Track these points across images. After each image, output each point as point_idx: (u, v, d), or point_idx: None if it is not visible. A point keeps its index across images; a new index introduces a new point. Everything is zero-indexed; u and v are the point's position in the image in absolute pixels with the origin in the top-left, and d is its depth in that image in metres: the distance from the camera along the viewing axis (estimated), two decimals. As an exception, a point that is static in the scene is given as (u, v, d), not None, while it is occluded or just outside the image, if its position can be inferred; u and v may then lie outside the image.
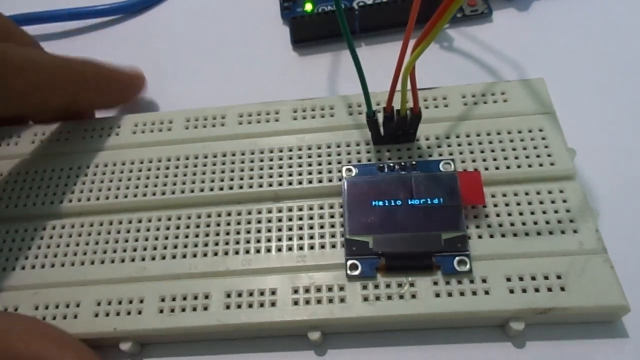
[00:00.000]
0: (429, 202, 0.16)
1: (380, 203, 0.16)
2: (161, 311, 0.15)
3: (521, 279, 0.15)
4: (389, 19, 0.21)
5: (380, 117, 0.17)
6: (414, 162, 0.17)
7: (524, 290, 0.14)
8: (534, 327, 0.15)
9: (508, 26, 0.21)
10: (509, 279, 0.15)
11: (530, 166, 0.17)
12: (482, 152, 0.17)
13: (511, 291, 0.14)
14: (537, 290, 0.14)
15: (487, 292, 0.15)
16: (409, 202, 0.16)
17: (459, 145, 0.17)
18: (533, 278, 0.15)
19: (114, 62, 0.20)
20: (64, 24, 0.23)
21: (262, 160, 0.18)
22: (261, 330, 0.15)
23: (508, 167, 0.17)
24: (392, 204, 0.16)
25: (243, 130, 0.19)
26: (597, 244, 0.15)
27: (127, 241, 0.17)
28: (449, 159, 0.17)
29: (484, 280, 0.15)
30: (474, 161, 0.17)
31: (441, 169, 0.16)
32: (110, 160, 0.19)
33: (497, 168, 0.17)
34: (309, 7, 0.22)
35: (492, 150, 0.17)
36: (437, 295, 0.15)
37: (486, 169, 0.17)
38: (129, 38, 0.23)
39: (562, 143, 0.17)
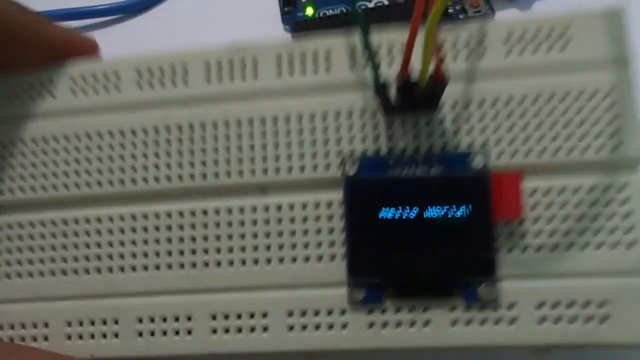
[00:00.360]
0: (451, 214, 0.12)
1: (390, 214, 0.13)
2: (140, 334, 0.14)
3: (556, 305, 0.12)
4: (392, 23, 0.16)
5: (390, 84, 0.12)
6: (435, 155, 0.13)
7: (558, 320, 0.12)
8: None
9: None
10: (541, 305, 0.12)
11: (586, 148, 0.13)
12: (524, 128, 0.13)
13: (542, 320, 0.12)
14: (572, 320, 0.12)
15: (512, 321, 0.12)
16: (426, 214, 0.12)
17: (495, 117, 0.13)
18: (570, 305, 0.12)
19: None
20: (64, 24, 0.20)
21: (239, 137, 0.14)
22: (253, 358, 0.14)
23: (557, 151, 0.13)
24: (406, 215, 0.12)
25: (213, 91, 0.14)
26: (657, 265, 0.12)
27: (88, 247, 0.14)
28: (481, 152, 0.13)
29: (510, 307, 0.12)
30: (511, 142, 0.13)
31: (470, 164, 0.13)
32: (49, 134, 0.15)
33: (542, 151, 0.13)
34: (309, 11, 0.21)
35: (538, 125, 0.13)
36: (454, 323, 0.13)
37: (527, 153, 0.13)
38: (129, 38, 0.22)
39: (633, 114, 0.13)
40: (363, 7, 0.20)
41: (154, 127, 0.14)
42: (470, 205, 0.12)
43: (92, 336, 0.14)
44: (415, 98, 0.12)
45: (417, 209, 0.12)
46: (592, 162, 0.13)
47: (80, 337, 0.14)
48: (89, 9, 0.22)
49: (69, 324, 0.14)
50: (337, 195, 0.13)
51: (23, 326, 0.14)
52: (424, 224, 0.12)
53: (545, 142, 0.13)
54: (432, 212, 0.12)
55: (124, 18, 0.22)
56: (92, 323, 0.14)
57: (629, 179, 0.13)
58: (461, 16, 0.21)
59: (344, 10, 0.21)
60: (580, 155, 0.13)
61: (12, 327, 0.14)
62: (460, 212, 0.12)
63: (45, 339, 0.14)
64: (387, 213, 0.12)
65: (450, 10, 0.21)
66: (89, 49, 0.16)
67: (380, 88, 0.12)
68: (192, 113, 0.14)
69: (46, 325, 0.14)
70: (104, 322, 0.14)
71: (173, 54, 0.15)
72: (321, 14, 0.21)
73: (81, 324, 0.14)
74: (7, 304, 0.14)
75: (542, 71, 0.13)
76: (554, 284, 0.12)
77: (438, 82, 0.12)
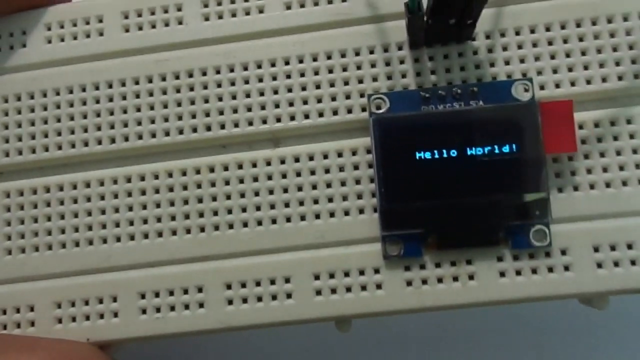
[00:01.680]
0: (497, 150, 0.11)
1: (428, 154, 0.11)
2: (143, 312, 0.12)
3: (614, 248, 0.11)
4: None
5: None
6: (474, 88, 0.11)
7: (617, 264, 0.11)
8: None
9: None
10: (597, 249, 0.11)
11: (637, 76, 0.12)
12: (569, 55, 0.12)
13: (599, 266, 0.11)
14: (633, 263, 0.11)
15: (567, 268, 0.11)
16: (468, 152, 0.11)
17: (535, 46, 0.12)
18: (630, 246, 0.11)
19: None
20: None
21: (246, 82, 0.12)
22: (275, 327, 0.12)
23: (604, 80, 0.12)
24: (445, 155, 0.11)
25: (213, 32, 0.13)
26: None
27: (76, 216, 0.12)
28: (525, 80, 0.11)
29: (563, 253, 0.11)
30: (555, 72, 0.12)
31: (514, 95, 0.11)
32: (23, 90, 0.13)
33: (588, 81, 0.12)
34: None
35: (584, 53, 0.12)
36: (502, 274, 0.11)
37: (572, 84, 0.12)
38: None
39: (685, 35, 0.12)
40: None
41: (147, 75, 0.12)
42: (518, 140, 0.11)
43: (87, 317, 0.12)
44: (453, 9, 0.11)
45: (459, 147, 0.11)
46: (643, 89, 0.12)
47: (73, 319, 0.12)
48: None
49: (58, 306, 0.12)
50: (363, 141, 0.12)
51: (3, 312, 0.12)
52: (467, 163, 0.11)
53: (593, 69, 0.12)
54: (476, 150, 0.11)
55: None
56: (86, 302, 0.12)
57: (685, 106, 0.11)
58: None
59: None
60: (631, 82, 0.12)
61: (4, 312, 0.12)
62: (507, 147, 0.11)
63: (32, 324, 0.12)
64: (425, 153, 0.11)
65: None
66: None
67: (415, 7, 0.10)
68: (190, 57, 0.12)
69: (31, 308, 0.12)
70: (100, 301, 0.12)
71: (164, -9, 0.13)
72: None
73: (73, 304, 0.12)
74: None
75: (582, -7, 0.12)
76: (609, 225, 0.11)
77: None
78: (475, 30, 0.12)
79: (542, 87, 0.12)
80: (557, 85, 0.12)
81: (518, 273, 0.11)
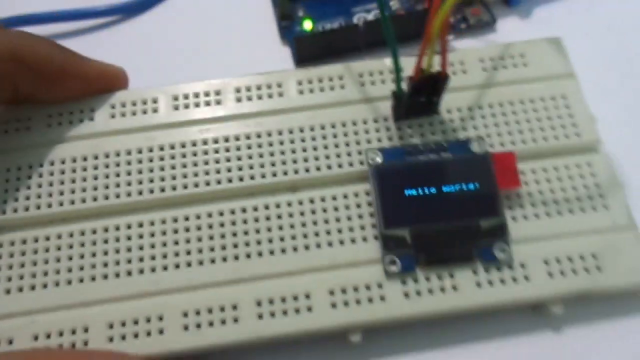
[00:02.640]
0: (464, 188, 0.15)
1: (414, 192, 0.15)
2: (186, 328, 0.14)
3: (558, 261, 0.15)
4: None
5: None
6: (443, 144, 0.15)
7: (562, 273, 0.14)
8: (569, 308, 0.15)
9: (512, 34, 0.20)
10: (546, 262, 0.15)
11: (556, 138, 0.16)
12: (507, 124, 0.16)
13: (550, 275, 0.14)
14: (574, 272, 0.14)
15: (527, 278, 0.14)
16: (444, 190, 0.15)
17: (482, 117, 0.16)
18: (570, 259, 0.15)
19: (113, 62, 0.17)
20: (64, 24, 0.21)
21: (270, 145, 0.16)
22: (299, 337, 0.14)
23: (534, 141, 0.16)
24: (427, 192, 0.15)
25: (243, 109, 0.16)
26: (629, 221, 0.15)
27: (129, 250, 0.15)
28: (479, 138, 0.16)
29: (522, 266, 0.14)
30: (499, 135, 0.16)
31: (472, 149, 0.15)
32: (90, 153, 0.16)
33: (523, 142, 0.16)
34: (308, 25, 0.20)
35: (517, 122, 0.16)
36: (478, 285, 0.14)
37: (513, 143, 0.16)
38: (129, 38, 0.21)
39: (585, 111, 0.16)
40: (362, 19, 0.20)
41: (191, 140, 0.16)
42: (479, 179, 0.15)
43: (136, 335, 0.14)
44: (422, 94, 0.15)
45: (436, 185, 0.15)
46: (562, 147, 0.16)
47: (123, 337, 0.14)
48: (89, 9, 0.21)
49: (111, 326, 0.14)
50: (362, 186, 0.15)
51: (60, 334, 0.14)
52: (443, 197, 0.15)
53: (525, 134, 0.16)
54: (449, 187, 0.15)
55: (124, 18, 0.22)
56: (136, 322, 0.14)
57: (593, 158, 0.16)
58: (462, 25, 0.20)
59: (342, 23, 0.20)
60: (552, 141, 0.16)
61: (48, 336, 0.14)
62: (472, 185, 0.15)
63: (85, 343, 0.14)
64: (411, 190, 0.15)
65: (451, 20, 0.20)
66: (120, 80, 0.17)
67: (400, 92, 0.15)
68: (226, 127, 0.16)
69: (86, 330, 0.14)
70: (148, 320, 0.14)
71: (208, 82, 0.17)
72: (320, 28, 0.20)
73: (123, 324, 0.14)
74: (44, 313, 0.14)
75: (512, 83, 0.17)
76: (553, 245, 0.15)
77: (442, 77, 0.14)
78: (439, 106, 0.16)
79: (490, 146, 0.16)
80: (501, 145, 0.16)
81: (490, 283, 0.14)
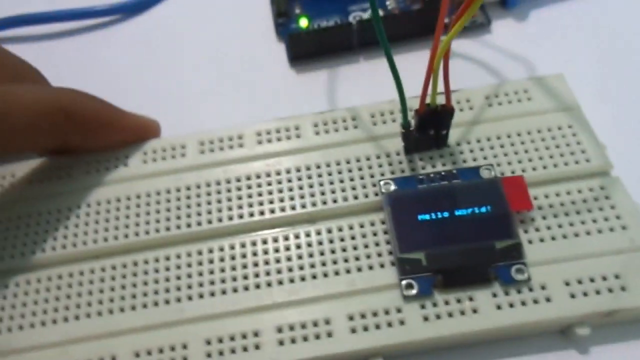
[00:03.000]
0: (477, 211, 0.15)
1: (427, 217, 0.15)
2: (209, 356, 0.14)
3: (580, 282, 0.14)
4: (387, 33, 0.20)
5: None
6: (454, 171, 0.16)
7: (585, 294, 0.14)
8: (596, 330, 0.15)
9: (507, 36, 0.21)
10: (567, 284, 0.14)
11: (566, 164, 0.16)
12: (516, 153, 0.17)
13: (572, 296, 0.14)
14: (598, 292, 0.14)
15: (548, 300, 0.14)
16: (456, 213, 0.15)
17: (491, 148, 0.17)
18: (592, 280, 0.14)
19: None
20: (64, 24, 0.22)
21: (289, 181, 0.17)
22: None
23: (545, 167, 0.16)
24: (439, 216, 0.15)
25: (264, 150, 0.18)
26: (648, 239, 0.15)
27: (157, 282, 0.15)
28: (488, 165, 0.16)
29: (543, 287, 0.14)
30: (509, 164, 0.17)
31: (482, 175, 0.16)
32: (122, 194, 0.17)
33: (534, 169, 0.16)
34: (304, 23, 0.21)
35: (526, 151, 0.17)
36: (499, 307, 0.14)
37: (523, 170, 0.16)
38: (129, 38, 0.22)
39: (593, 138, 0.17)
40: (358, 18, 0.20)
41: (216, 180, 0.17)
42: (490, 203, 0.15)
43: None
44: (430, 128, 0.16)
45: (449, 210, 0.15)
46: (573, 172, 0.16)
47: None
48: (89, 9, 0.21)
49: (137, 355, 0.14)
50: (377, 216, 0.16)
51: (89, 363, 0.14)
52: (456, 221, 0.15)
53: (535, 161, 0.17)
54: (462, 211, 0.15)
55: (124, 18, 0.22)
56: (161, 351, 0.14)
57: (606, 181, 0.16)
58: None
59: (338, 21, 0.20)
60: (562, 168, 0.16)
61: (78, 365, 0.14)
62: (484, 208, 0.15)
63: (112, 372, 0.14)
64: (424, 215, 0.15)
65: (446, 21, 0.20)
66: (154, 130, 0.19)
67: (407, 125, 0.16)
68: (247, 167, 0.17)
69: (113, 359, 0.14)
70: (172, 349, 0.14)
71: (230, 128, 0.18)
72: (315, 26, 0.21)
73: (149, 353, 0.14)
74: (75, 344, 0.15)
75: (518, 116, 0.18)
76: (573, 266, 0.15)
77: (448, 110, 0.15)
78: (448, 139, 0.17)
79: (501, 173, 0.16)
80: (512, 172, 0.16)
81: (510, 305, 0.14)
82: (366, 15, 0.21)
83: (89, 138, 0.18)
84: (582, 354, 0.15)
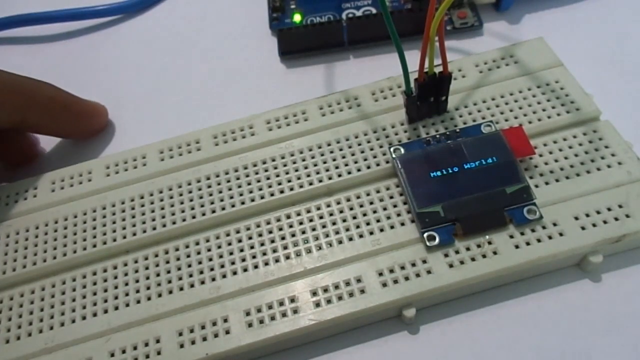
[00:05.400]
0: (484, 162, 0.16)
1: (438, 173, 0.16)
2: (250, 325, 0.15)
3: (588, 215, 0.15)
4: (377, 31, 0.21)
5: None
6: (457, 130, 0.17)
7: (594, 225, 0.15)
8: (607, 258, 0.15)
9: (498, 38, 0.21)
10: (577, 218, 0.15)
11: (559, 115, 0.18)
12: (512, 110, 0.18)
13: (583, 228, 0.15)
14: (605, 222, 0.15)
15: (561, 234, 0.15)
16: (465, 167, 0.16)
17: (488, 109, 0.18)
18: (598, 212, 0.15)
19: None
20: (64, 24, 0.22)
21: (304, 160, 0.18)
22: (356, 320, 0.15)
23: (540, 120, 0.18)
24: (450, 171, 0.16)
25: (276, 135, 0.19)
26: (643, 170, 0.16)
27: (190, 266, 0.16)
28: (488, 121, 0.17)
29: (554, 224, 0.15)
30: (506, 120, 0.18)
31: (483, 131, 0.17)
32: (146, 191, 0.18)
33: (530, 122, 0.18)
34: (297, 18, 0.22)
35: (520, 108, 0.18)
36: (517, 246, 0.15)
37: (520, 124, 0.18)
38: (129, 38, 0.23)
39: (580, 89, 0.18)
40: (350, 15, 0.21)
41: (234, 167, 0.18)
42: (496, 154, 0.16)
43: (204, 339, 0.15)
44: (430, 94, 0.17)
45: (458, 164, 0.16)
46: (566, 121, 0.17)
47: (193, 342, 0.15)
48: (89, 9, 0.22)
49: (180, 334, 0.15)
50: (391, 181, 0.17)
51: (134, 347, 0.15)
52: (466, 173, 0.16)
53: (530, 116, 0.18)
54: (470, 164, 0.16)
55: (124, 18, 0.23)
56: (202, 327, 0.15)
57: (597, 125, 0.17)
58: (448, 27, 0.21)
59: (332, 18, 0.21)
60: (556, 118, 0.18)
61: (123, 351, 0.15)
62: (490, 159, 0.16)
63: (158, 353, 0.15)
64: (436, 172, 0.16)
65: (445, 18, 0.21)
66: (103, 115, 0.21)
67: (410, 91, 0.17)
68: (262, 153, 0.18)
69: (157, 340, 0.15)
70: (214, 323, 0.15)
71: (240, 119, 0.19)
72: (308, 21, 0.21)
73: (192, 330, 0.15)
74: (118, 332, 0.15)
75: (508, 78, 0.19)
76: (580, 202, 0.16)
77: (446, 76, 0.17)
78: (447, 105, 0.18)
79: (500, 128, 0.17)
80: (510, 127, 0.17)
81: (527, 243, 0.15)
82: (359, 12, 0.22)
83: (46, 118, 0.19)
84: (595, 282, 0.15)
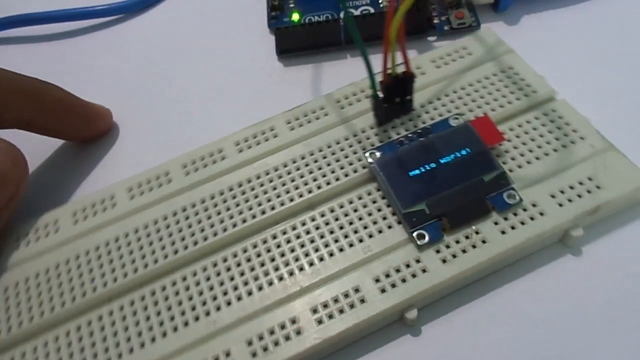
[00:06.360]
0: (458, 154, 0.16)
1: (417, 171, 0.16)
2: (254, 355, 0.14)
3: (562, 192, 0.16)
4: (375, 31, 0.20)
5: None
6: (427, 127, 0.17)
7: (570, 200, 0.16)
8: (586, 230, 0.16)
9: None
10: (553, 196, 0.16)
11: (518, 99, 0.18)
12: (474, 101, 0.18)
13: (560, 205, 0.16)
14: (579, 196, 0.16)
15: (542, 214, 0.16)
16: (442, 161, 0.16)
17: (452, 102, 0.19)
18: (572, 187, 0.16)
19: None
20: (64, 24, 0.22)
21: (280, 177, 0.18)
22: (361, 331, 0.15)
23: (502, 106, 0.18)
24: (428, 167, 0.16)
25: (247, 156, 0.18)
26: (604, 142, 0.17)
27: (180, 304, 0.15)
28: (455, 114, 0.18)
29: (534, 205, 0.16)
30: (471, 111, 0.18)
31: (452, 124, 0.17)
32: (170, 211, 0.17)
33: (492, 110, 0.18)
34: (295, 17, 0.22)
35: (481, 97, 0.18)
36: (503, 232, 0.15)
37: (484, 113, 0.18)
38: (129, 38, 0.22)
39: (533, 72, 0.19)
40: (350, 14, 0.20)
41: (210, 195, 0.17)
42: (468, 145, 0.16)
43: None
44: (396, 95, 0.17)
45: (434, 160, 0.16)
46: (526, 104, 0.18)
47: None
48: (89, 9, 0.22)
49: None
50: (372, 185, 0.17)
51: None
52: (444, 167, 0.16)
53: (492, 104, 0.18)
54: (446, 158, 0.16)
55: (124, 18, 0.23)
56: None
57: (555, 105, 0.18)
58: (446, 27, 0.21)
59: (330, 17, 0.21)
60: (515, 103, 0.18)
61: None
62: (464, 151, 0.16)
63: (163, 400, 0.14)
64: (414, 171, 0.16)
65: (435, 21, 0.21)
66: (108, 118, 0.21)
67: (376, 96, 0.17)
68: (238, 175, 0.18)
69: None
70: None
71: (208, 145, 0.19)
72: (306, 20, 0.21)
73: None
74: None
75: (465, 70, 0.19)
76: (553, 181, 0.16)
77: (409, 76, 0.17)
78: (413, 103, 0.18)
79: (467, 120, 0.18)
80: (475, 117, 0.18)
81: (512, 227, 0.16)
82: (357, 12, 0.22)
83: (52, 120, 0.19)
84: (576, 255, 0.16)
